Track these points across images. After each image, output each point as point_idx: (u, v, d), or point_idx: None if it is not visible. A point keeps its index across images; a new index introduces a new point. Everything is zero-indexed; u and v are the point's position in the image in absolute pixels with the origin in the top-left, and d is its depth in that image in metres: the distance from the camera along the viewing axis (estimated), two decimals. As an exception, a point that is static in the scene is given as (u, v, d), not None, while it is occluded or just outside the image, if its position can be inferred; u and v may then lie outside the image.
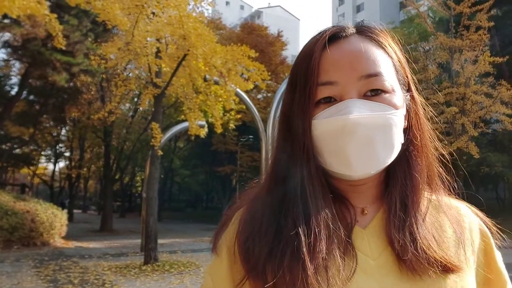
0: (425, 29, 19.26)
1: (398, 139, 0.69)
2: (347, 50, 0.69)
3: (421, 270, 0.65)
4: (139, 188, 39.88)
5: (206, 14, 19.20)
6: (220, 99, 10.89)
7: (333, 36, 0.70)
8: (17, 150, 27.49)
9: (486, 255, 0.74)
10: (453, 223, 0.72)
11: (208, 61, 8.75)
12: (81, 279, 8.31)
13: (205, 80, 10.30)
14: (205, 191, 42.85)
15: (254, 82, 10.44)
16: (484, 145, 20.29)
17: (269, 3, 67.75)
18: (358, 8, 55.65)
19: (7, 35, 15.32)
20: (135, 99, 23.37)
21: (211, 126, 10.93)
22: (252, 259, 0.66)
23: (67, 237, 15.42)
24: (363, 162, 0.66)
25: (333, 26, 0.73)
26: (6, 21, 12.59)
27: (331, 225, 0.66)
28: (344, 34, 0.71)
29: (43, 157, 34.89)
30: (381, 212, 0.72)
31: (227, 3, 67.87)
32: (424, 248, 0.66)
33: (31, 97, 21.89)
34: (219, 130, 10.64)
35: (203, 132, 10.96)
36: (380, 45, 0.71)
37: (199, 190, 42.52)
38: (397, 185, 0.71)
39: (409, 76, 0.75)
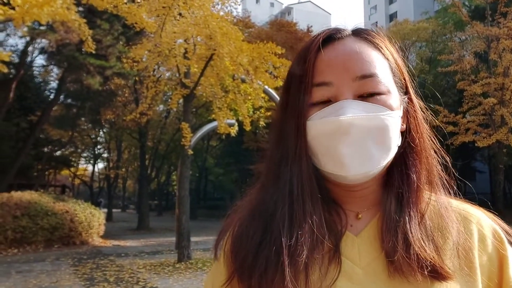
0: (461, 18, 18.60)
1: (394, 141, 0.68)
2: (341, 51, 0.69)
3: (409, 273, 0.63)
4: (175, 187, 40.63)
5: (234, 14, 19.28)
6: (250, 97, 10.90)
7: (328, 38, 0.70)
8: (57, 152, 28.62)
9: (499, 266, 0.69)
10: (453, 228, 0.68)
11: (235, 60, 8.77)
12: (117, 277, 8.53)
13: (233, 78, 10.34)
14: (238, 189, 43.12)
15: (283, 79, 10.39)
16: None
17: (299, -1, 67.31)
18: (391, 0, 54.25)
19: (43, 42, 15.95)
20: (168, 100, 23.81)
21: (241, 124, 10.95)
22: (238, 260, 0.67)
23: (106, 235, 15.88)
24: (357, 162, 0.65)
25: (328, 28, 0.73)
26: (41, 27, 13.09)
27: (315, 230, 0.66)
28: (339, 36, 0.71)
29: (82, 159, 36.17)
30: (377, 218, 0.70)
31: (257, 1, 67.92)
32: (416, 250, 0.64)
33: (69, 100, 22.71)
34: (248, 127, 10.65)
35: (234, 131, 11.00)
36: (376, 46, 0.71)
37: (233, 188, 42.86)
38: (394, 188, 0.70)
39: (406, 78, 0.74)
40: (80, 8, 11.60)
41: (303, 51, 0.71)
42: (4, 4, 5.74)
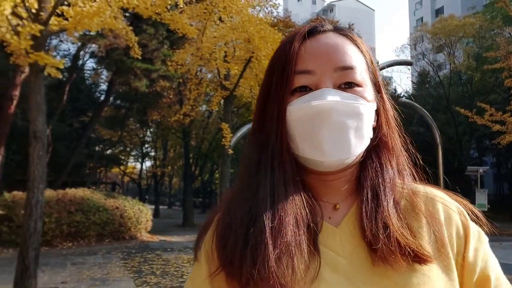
0: (509, 13, 17.76)
1: (368, 131, 0.71)
2: (324, 42, 0.72)
3: (392, 260, 0.64)
4: (218, 185, 41.28)
5: (275, 14, 19.35)
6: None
7: (311, 31, 0.74)
8: (108, 151, 29.94)
9: (465, 239, 0.71)
10: (426, 213, 0.71)
11: (273, 62, 8.93)
12: (163, 270, 8.94)
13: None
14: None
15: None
16: None
17: (342, -5, 66.27)
18: (438, -7, 52.30)
19: (93, 46, 16.85)
20: (210, 101, 24.35)
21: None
22: (226, 251, 0.66)
23: (153, 231, 16.42)
24: (335, 148, 0.67)
25: (312, 22, 0.78)
26: (91, 33, 13.86)
27: (299, 212, 0.67)
28: (322, 29, 0.74)
29: (131, 157, 37.55)
30: (354, 207, 0.72)
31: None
32: (397, 236, 0.65)
33: (118, 102, 23.73)
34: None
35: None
36: (355, 43, 0.75)
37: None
38: (368, 178, 0.72)
39: (379, 78, 0.77)
40: (127, 14, 12.18)
41: (288, 40, 0.74)
42: (58, 15, 6.23)
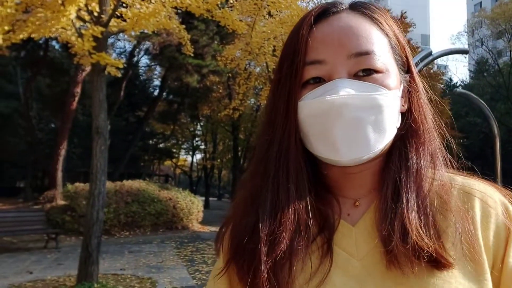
0: None
1: (392, 122, 0.64)
2: (336, 26, 0.64)
3: (406, 264, 0.58)
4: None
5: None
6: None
7: (323, 13, 0.66)
8: (161, 145, 30.99)
9: (505, 242, 0.61)
10: (457, 209, 0.62)
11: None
12: (214, 260, 9.13)
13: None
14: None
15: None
16: None
17: (394, -17, 63.96)
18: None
19: (147, 44, 17.49)
20: (259, 94, 24.54)
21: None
22: (233, 250, 0.66)
23: (204, 222, 16.81)
24: (351, 146, 0.61)
25: (324, 3, 0.69)
26: (147, 32, 14.42)
27: (301, 216, 0.63)
28: (334, 10, 0.66)
29: (182, 150, 38.56)
30: (374, 204, 0.65)
31: (349, -12, 65.89)
32: (414, 238, 0.58)
33: (171, 97, 24.48)
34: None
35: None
36: (374, 21, 0.66)
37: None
38: (391, 171, 0.65)
39: (409, 56, 0.69)
40: (179, 11, 12.56)
41: (297, 27, 0.67)
42: (117, 17, 6.58)
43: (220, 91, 21.27)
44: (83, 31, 5.92)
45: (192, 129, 32.24)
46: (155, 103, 22.03)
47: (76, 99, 16.42)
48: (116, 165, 19.97)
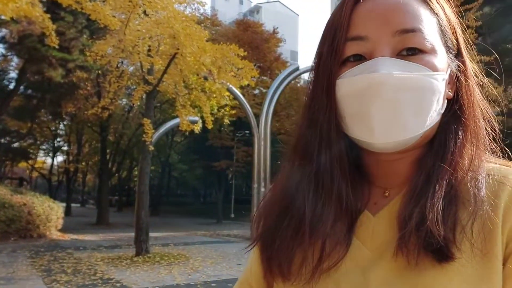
0: None
1: (435, 107, 0.59)
2: (381, 1, 0.60)
3: (414, 252, 0.55)
4: (136, 183, 40.17)
5: (201, 11, 19.34)
6: (214, 95, 11.18)
7: None
8: (15, 144, 27.80)
9: None
10: (478, 199, 0.57)
11: (198, 60, 9.03)
12: (74, 268, 8.62)
13: (202, 77, 10.58)
14: (202, 185, 43.16)
15: (252, 77, 10.69)
16: None
17: (268, -2, 67.76)
18: None
19: (4, 31, 15.59)
20: (131, 94, 23.70)
21: (205, 122, 11.20)
22: (262, 227, 0.67)
23: (64, 230, 15.72)
24: (387, 129, 0.57)
25: None
26: (3, 17, 12.85)
27: (343, 199, 0.62)
28: None
29: (41, 151, 35.22)
30: (401, 195, 0.62)
31: (226, -2, 67.86)
32: (429, 225, 0.54)
33: (29, 91, 22.14)
34: (210, 126, 10.92)
35: (198, 128, 11.27)
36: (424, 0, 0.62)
37: (196, 184, 42.81)
38: (428, 159, 0.61)
39: (460, 39, 0.65)
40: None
41: (340, 3, 0.64)
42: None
43: (88, 88, 19.97)
44: None
45: (53, 128, 29.63)
46: (10, 97, 19.67)
47: None
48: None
